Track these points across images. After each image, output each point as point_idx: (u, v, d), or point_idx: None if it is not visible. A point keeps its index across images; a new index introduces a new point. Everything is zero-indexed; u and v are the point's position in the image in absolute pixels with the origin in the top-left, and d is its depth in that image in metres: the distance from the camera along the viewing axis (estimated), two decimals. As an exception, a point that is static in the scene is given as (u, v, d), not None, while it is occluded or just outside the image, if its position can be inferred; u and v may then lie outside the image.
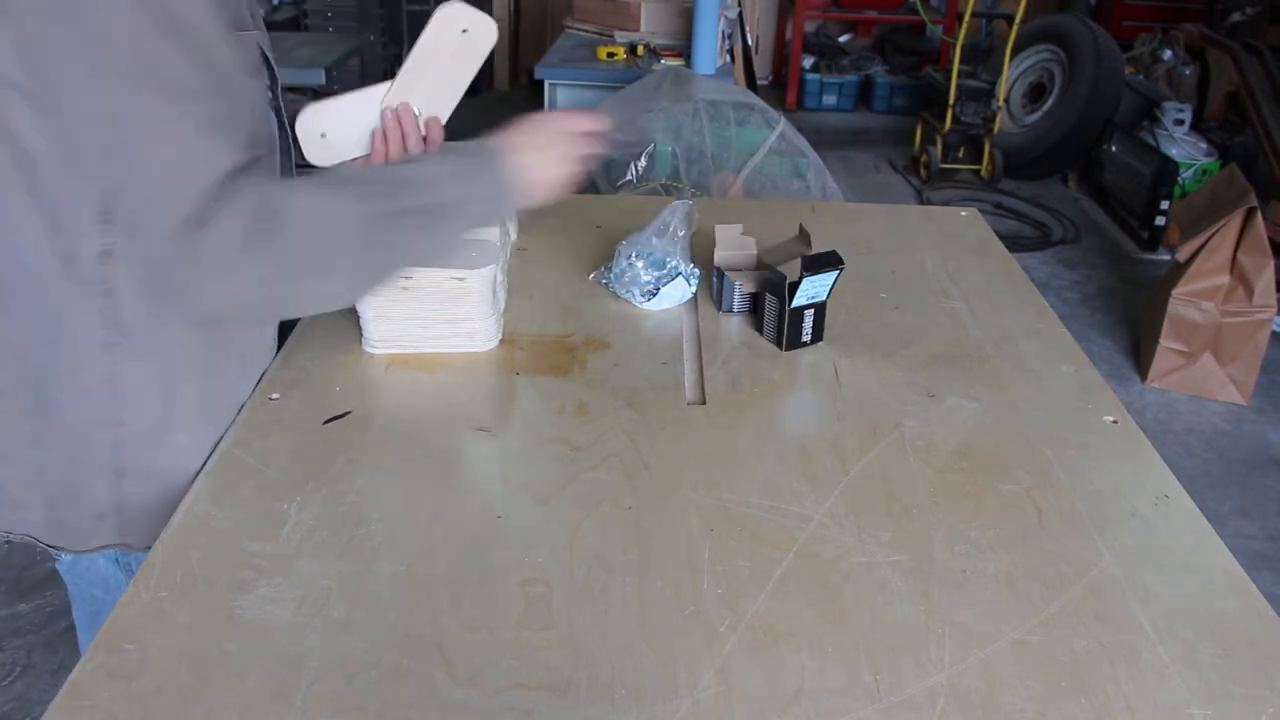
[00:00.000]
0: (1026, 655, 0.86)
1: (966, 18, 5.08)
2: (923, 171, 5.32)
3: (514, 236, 1.63)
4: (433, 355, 1.29)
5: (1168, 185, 4.29)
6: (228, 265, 0.88)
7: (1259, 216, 3.13)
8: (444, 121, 1.26)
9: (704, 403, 1.22)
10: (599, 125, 1.15)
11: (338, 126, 1.24)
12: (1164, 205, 4.32)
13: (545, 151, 1.10)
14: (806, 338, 1.35)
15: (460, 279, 1.25)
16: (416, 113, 1.24)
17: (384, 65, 6.43)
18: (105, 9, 0.85)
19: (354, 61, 5.47)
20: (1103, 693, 0.83)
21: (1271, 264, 3.15)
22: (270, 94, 1.09)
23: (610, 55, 3.67)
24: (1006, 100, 5.35)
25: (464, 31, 1.19)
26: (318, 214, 0.94)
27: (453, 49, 1.20)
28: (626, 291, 1.44)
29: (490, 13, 5.82)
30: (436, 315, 1.27)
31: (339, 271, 0.97)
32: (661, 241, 1.44)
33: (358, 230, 0.95)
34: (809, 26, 6.96)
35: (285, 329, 1.29)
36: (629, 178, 2.78)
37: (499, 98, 6.70)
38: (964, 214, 1.85)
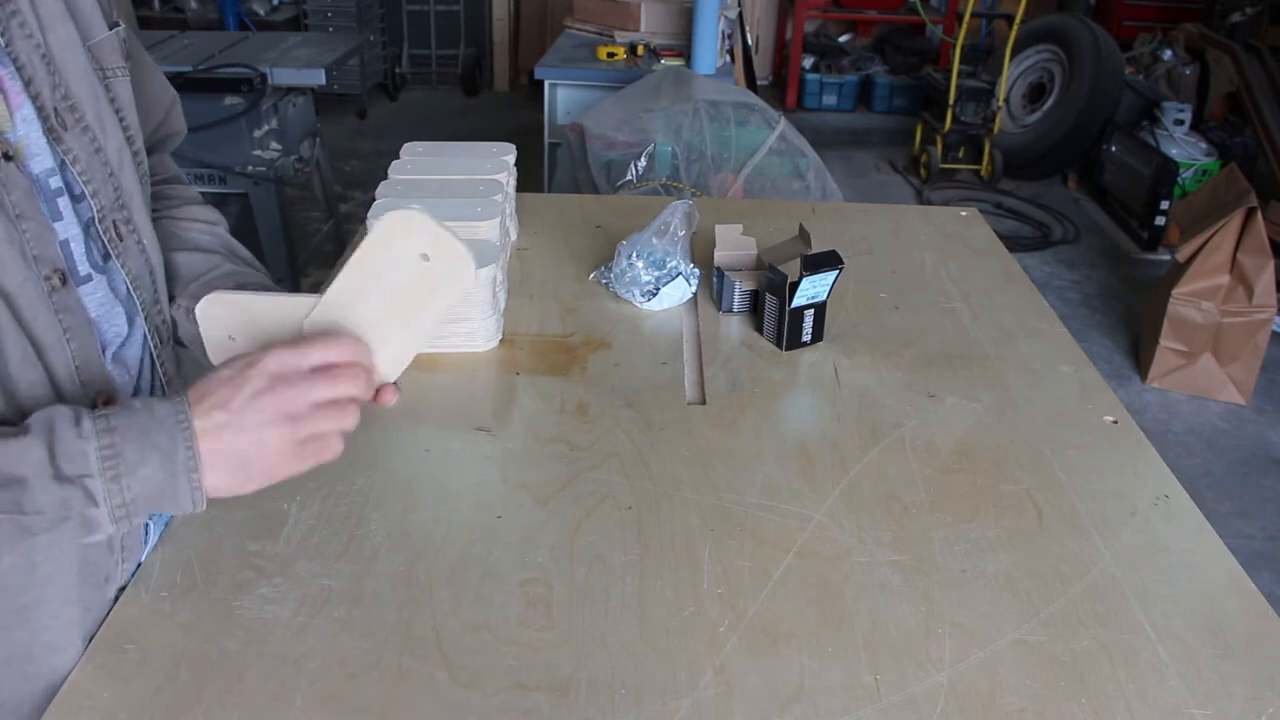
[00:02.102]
0: (1026, 655, 0.86)
1: (966, 18, 5.08)
2: (923, 171, 5.32)
3: (514, 236, 1.63)
4: (433, 355, 1.29)
5: (1168, 185, 4.29)
6: None
7: (1259, 216, 3.13)
8: (404, 367, 0.85)
9: (704, 403, 1.22)
10: (353, 359, 0.79)
11: (249, 331, 0.85)
12: (1164, 205, 4.32)
13: (254, 423, 0.74)
14: (806, 338, 1.35)
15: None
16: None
17: (383, 65, 6.44)
18: None
19: (354, 61, 5.48)
20: (1103, 693, 0.83)
21: (1271, 264, 3.15)
22: (53, 211, 0.78)
23: (610, 55, 3.67)
24: (1006, 100, 5.35)
25: (423, 257, 0.79)
26: None
27: (408, 275, 0.80)
28: (626, 291, 1.44)
29: (491, 14, 5.72)
30: (436, 315, 1.26)
31: None
32: (661, 241, 1.45)
33: None
34: (809, 26, 6.96)
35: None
36: (629, 178, 2.78)
37: (499, 98, 6.71)
38: (964, 214, 1.85)
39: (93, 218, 0.83)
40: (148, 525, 0.95)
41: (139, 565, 0.93)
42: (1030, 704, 0.81)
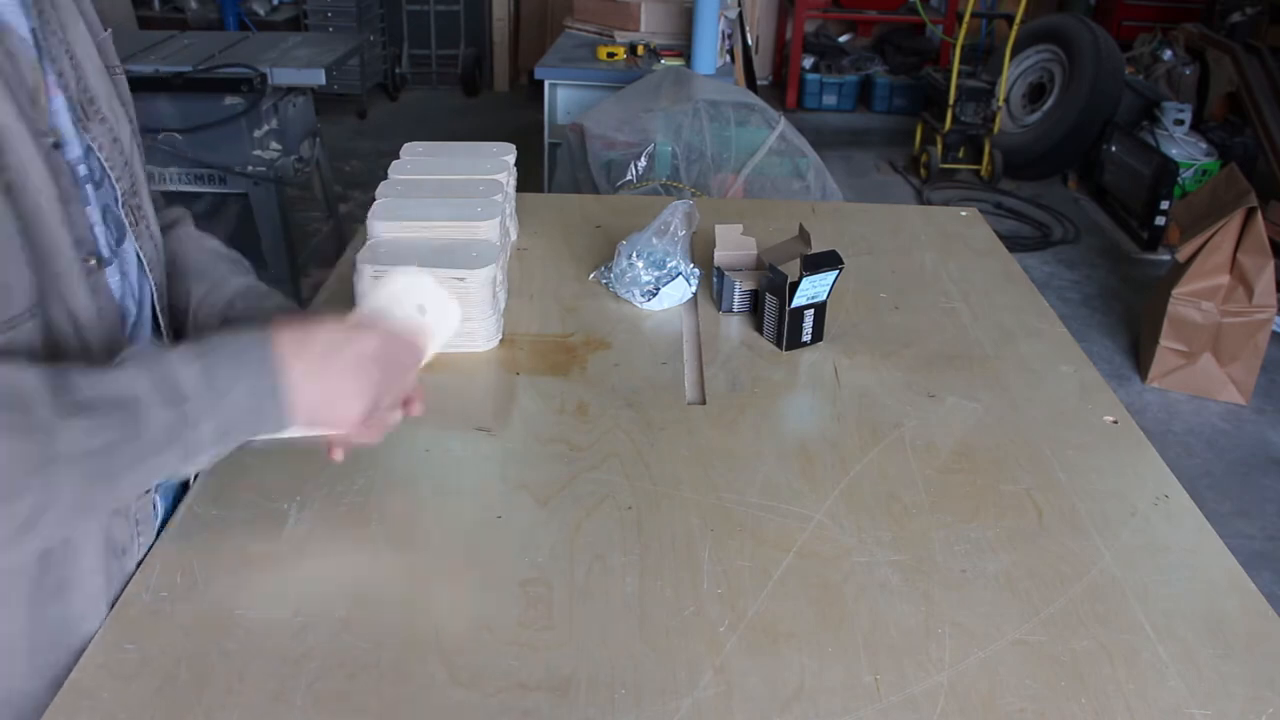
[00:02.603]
0: (1026, 655, 0.86)
1: (966, 18, 5.08)
2: (923, 171, 5.32)
3: (514, 236, 1.63)
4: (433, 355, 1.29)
5: (1168, 185, 4.29)
6: None
7: (1259, 216, 3.13)
8: None
9: (704, 403, 1.22)
10: (423, 353, 0.92)
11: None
12: (1164, 205, 4.32)
13: (345, 372, 0.83)
14: (806, 338, 1.35)
15: (460, 279, 1.25)
16: None
17: (383, 65, 6.44)
18: None
19: (354, 61, 5.48)
20: (1103, 693, 0.83)
21: (1271, 264, 3.15)
22: (83, 195, 0.83)
23: (610, 55, 3.67)
24: (1006, 100, 5.35)
25: (420, 309, 0.97)
26: None
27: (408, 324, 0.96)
28: (626, 291, 1.44)
29: (491, 14, 5.74)
30: (437, 315, 1.27)
31: None
32: (661, 241, 1.45)
33: (32, 473, 0.68)
34: (809, 26, 6.96)
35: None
36: (629, 178, 2.78)
37: (499, 98, 6.71)
38: (964, 214, 1.85)
39: (111, 202, 0.87)
40: (155, 503, 0.98)
41: (150, 547, 0.96)
42: (1030, 704, 0.81)
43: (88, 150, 0.85)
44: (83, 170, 0.84)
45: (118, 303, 0.87)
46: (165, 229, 1.05)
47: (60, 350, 0.79)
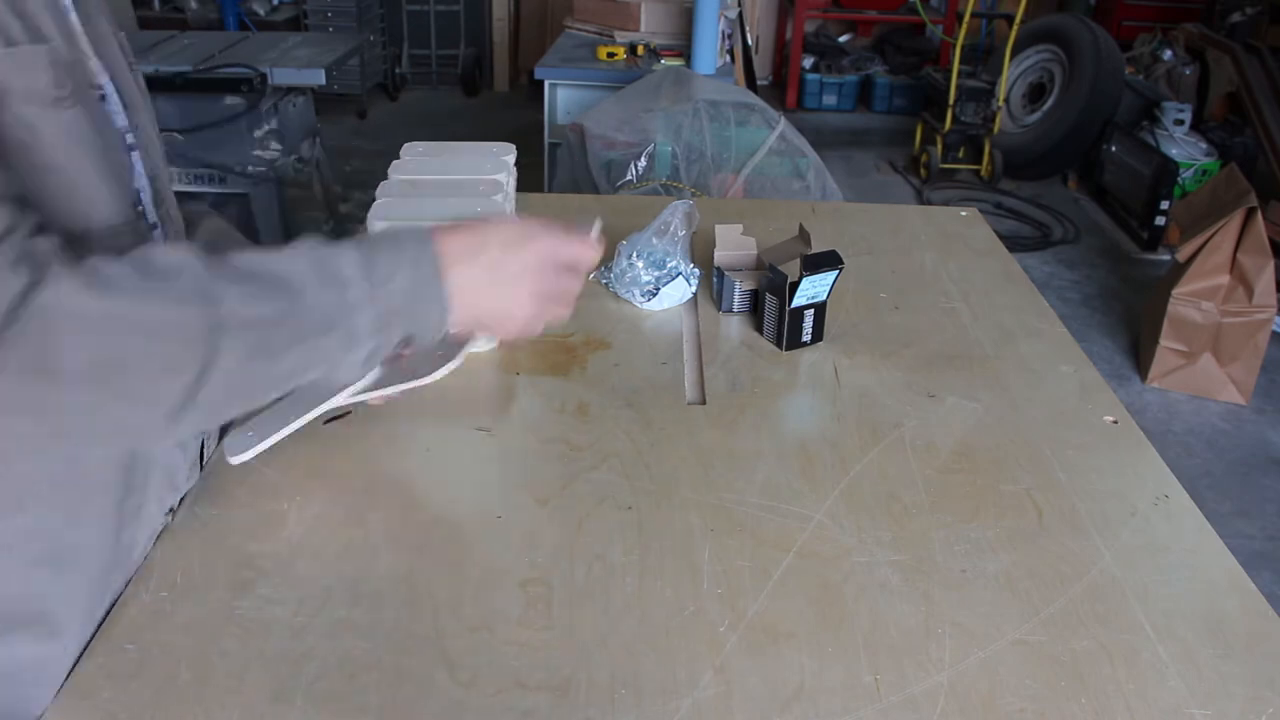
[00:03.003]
0: (1026, 655, 0.86)
1: (966, 18, 5.08)
2: (923, 171, 5.32)
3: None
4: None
5: (1168, 185, 4.29)
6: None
7: (1259, 216, 3.13)
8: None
9: (704, 403, 1.22)
10: (593, 259, 0.91)
11: None
12: (1164, 205, 4.31)
13: (509, 275, 0.83)
14: (806, 338, 1.35)
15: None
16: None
17: (383, 65, 6.44)
18: None
19: (354, 61, 5.48)
20: (1103, 693, 0.83)
21: (1271, 264, 3.15)
22: (129, 162, 0.85)
23: (610, 55, 3.67)
24: (1006, 100, 5.35)
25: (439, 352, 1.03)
26: (131, 322, 0.67)
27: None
28: (626, 291, 1.44)
29: (491, 14, 5.74)
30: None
31: (159, 394, 0.69)
32: (661, 241, 1.45)
33: (196, 342, 0.69)
34: (809, 26, 6.96)
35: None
36: (629, 178, 2.78)
37: (499, 98, 6.71)
38: (964, 214, 1.85)
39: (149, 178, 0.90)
40: (204, 442, 1.04)
41: (185, 495, 1.01)
42: (1030, 704, 0.81)
43: (134, 125, 0.86)
44: (130, 139, 0.85)
45: None
46: (194, 221, 1.07)
47: None
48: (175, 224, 0.95)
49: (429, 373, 1.01)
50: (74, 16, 0.81)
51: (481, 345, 1.31)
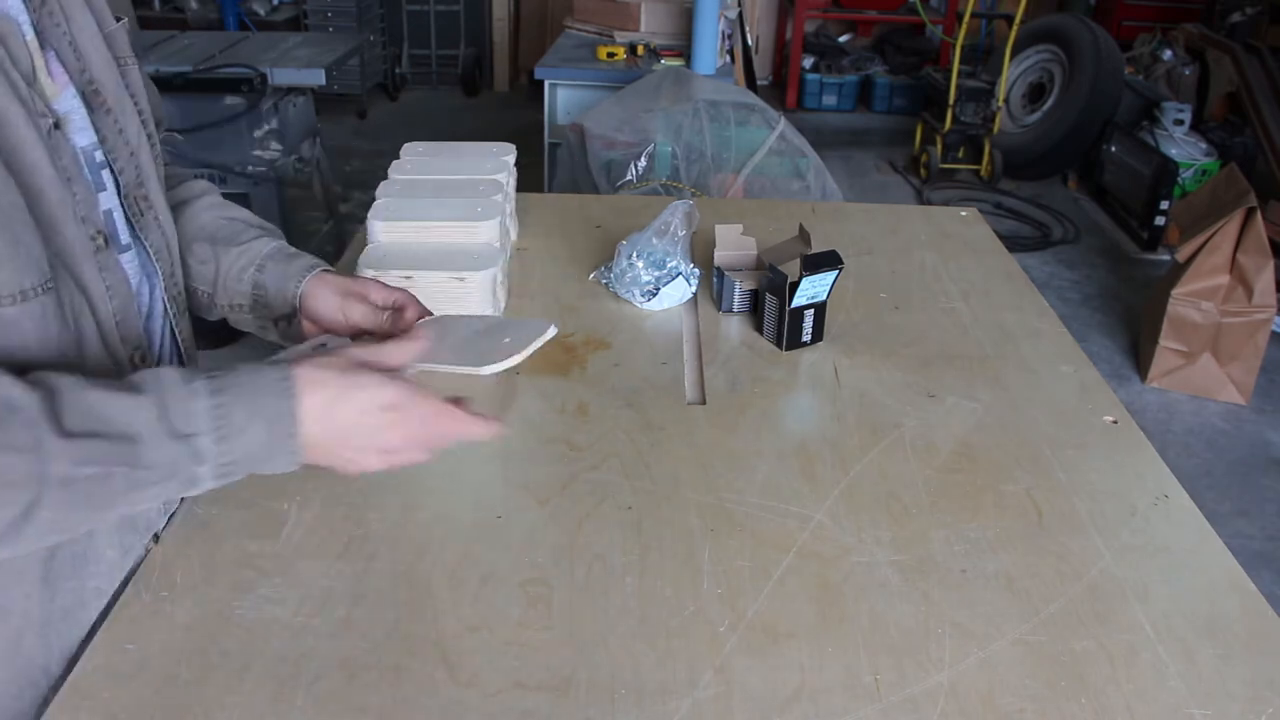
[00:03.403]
0: (1026, 655, 0.86)
1: (966, 18, 5.08)
2: (923, 171, 5.32)
3: (514, 236, 1.63)
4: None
5: (1167, 185, 4.29)
6: None
7: (1259, 216, 3.13)
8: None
9: (704, 403, 1.22)
10: (487, 432, 0.87)
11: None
12: (1164, 205, 4.32)
13: (361, 449, 0.80)
14: (806, 338, 1.35)
15: (461, 279, 1.25)
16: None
17: (383, 65, 6.44)
18: None
19: (354, 61, 5.48)
20: (1103, 693, 0.83)
21: (1271, 264, 3.15)
22: (98, 181, 0.84)
23: (610, 55, 3.67)
24: (1006, 100, 5.35)
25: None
26: None
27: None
28: (626, 292, 1.44)
29: (491, 14, 5.74)
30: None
31: None
32: (661, 242, 1.45)
33: (19, 486, 0.67)
34: (809, 26, 6.96)
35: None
36: (629, 178, 2.78)
37: (499, 98, 6.71)
38: (964, 214, 1.85)
39: (120, 193, 0.88)
40: None
41: (169, 517, 0.98)
42: (1030, 704, 0.81)
43: (102, 139, 0.86)
44: (99, 157, 0.85)
45: (132, 284, 0.88)
46: (191, 200, 1.07)
47: (75, 329, 0.81)
48: (162, 233, 0.94)
49: (493, 362, 0.92)
50: (26, 33, 0.78)
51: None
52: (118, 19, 0.93)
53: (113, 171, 0.87)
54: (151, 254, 0.93)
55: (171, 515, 0.99)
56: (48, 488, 0.68)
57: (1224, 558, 0.99)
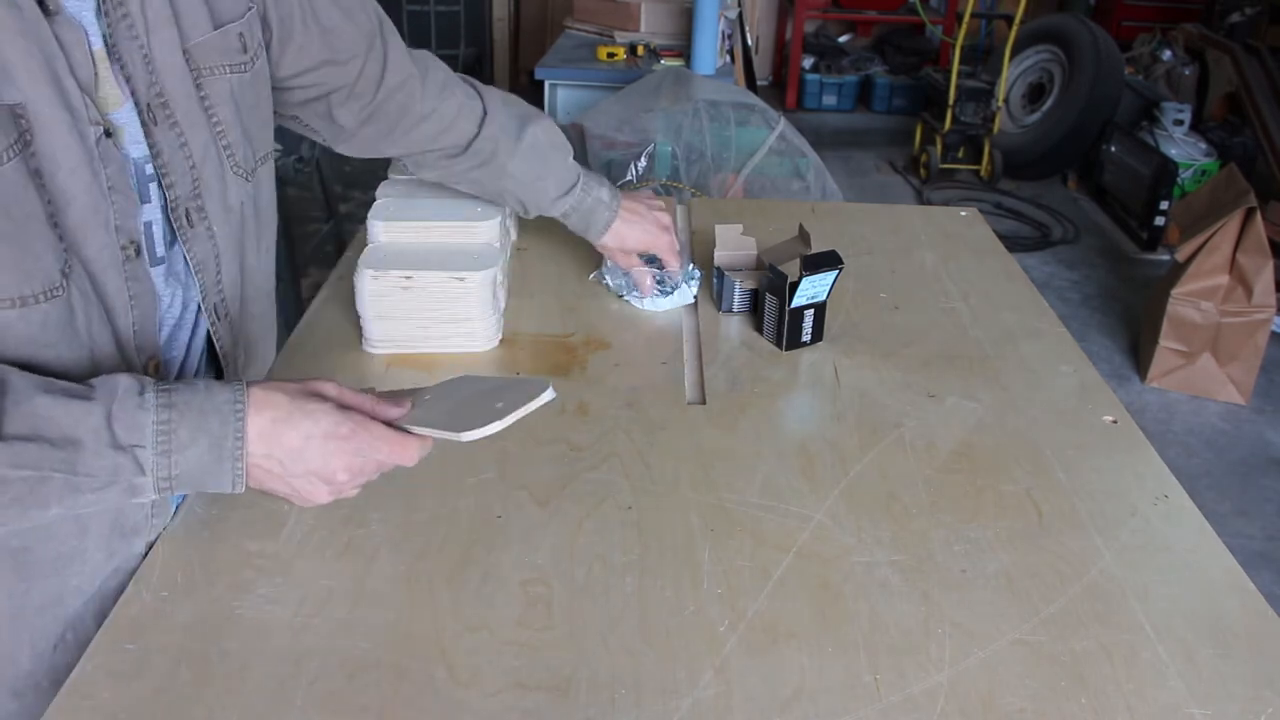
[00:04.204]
0: (1026, 655, 0.86)
1: (966, 18, 5.08)
2: (923, 171, 5.32)
3: (514, 236, 1.63)
4: (433, 355, 1.29)
5: (1167, 185, 4.30)
6: None
7: (1258, 216, 3.13)
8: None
9: (704, 403, 1.22)
10: (411, 461, 0.86)
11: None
12: (1163, 205, 4.32)
13: (306, 476, 0.81)
14: (806, 338, 1.35)
15: (460, 279, 1.25)
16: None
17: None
18: None
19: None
20: (1103, 693, 0.83)
21: (1271, 264, 3.15)
22: (144, 193, 0.87)
23: (610, 55, 3.67)
24: (1006, 100, 5.35)
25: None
26: None
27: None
28: (627, 292, 1.44)
29: (491, 14, 5.73)
30: (437, 315, 1.27)
31: None
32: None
33: None
34: (809, 27, 6.96)
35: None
36: (629, 178, 2.78)
37: (499, 98, 6.70)
38: (964, 214, 1.85)
39: (167, 204, 0.90)
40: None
41: (163, 529, 0.97)
42: (1030, 704, 0.81)
43: (157, 152, 0.87)
44: (149, 169, 0.87)
45: (155, 296, 0.90)
46: (500, 153, 1.25)
47: (87, 336, 0.82)
48: (213, 244, 0.95)
49: (478, 426, 0.87)
50: (94, 42, 0.80)
51: (481, 345, 1.31)
52: (224, 23, 0.92)
53: (160, 185, 0.88)
54: (193, 266, 0.94)
55: (176, 514, 0.99)
56: None
57: (1224, 558, 0.99)
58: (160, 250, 0.91)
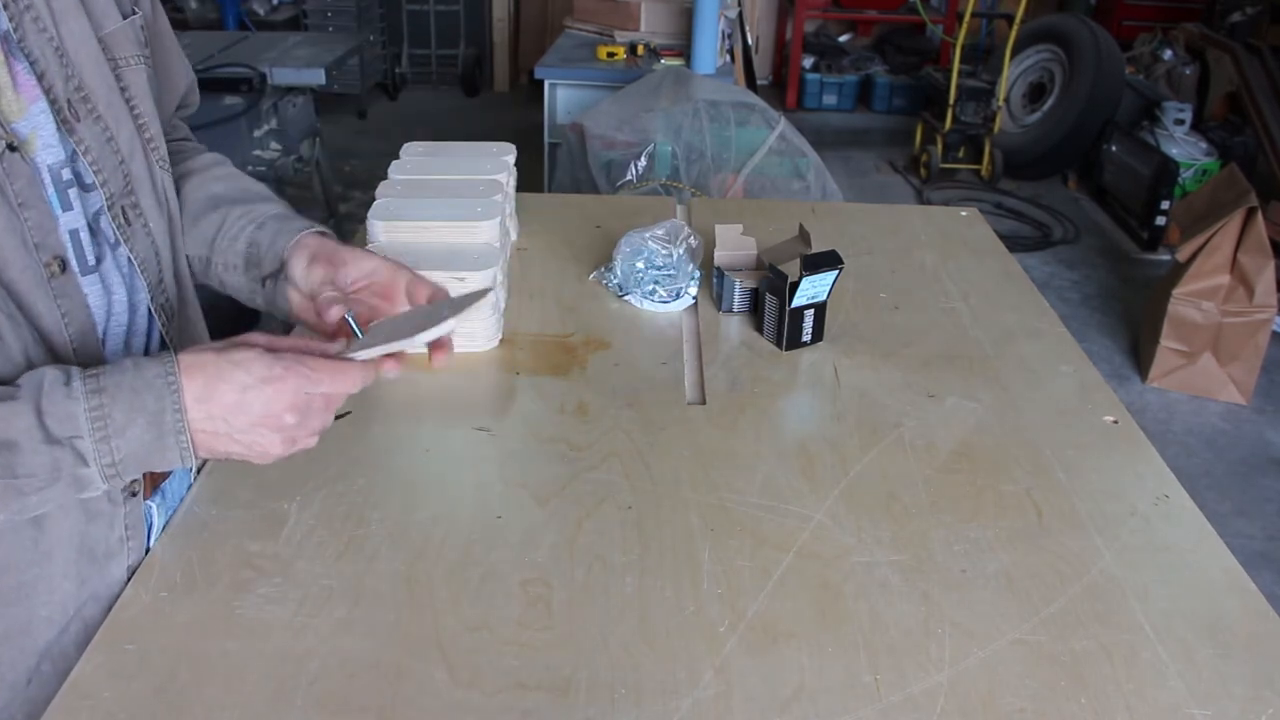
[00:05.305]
0: (1026, 655, 0.86)
1: (966, 18, 5.08)
2: (923, 171, 5.32)
3: (514, 236, 1.63)
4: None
5: (1168, 185, 4.29)
6: None
7: (1259, 216, 3.13)
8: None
9: (704, 403, 1.22)
10: (354, 387, 0.83)
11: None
12: (1164, 205, 4.32)
13: (252, 428, 0.79)
14: (806, 338, 1.35)
15: (461, 279, 1.25)
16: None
17: (383, 65, 6.45)
18: None
19: (354, 61, 5.48)
20: (1103, 693, 0.83)
21: (1271, 264, 3.15)
22: (63, 201, 0.82)
23: (610, 55, 3.67)
24: (1006, 100, 5.35)
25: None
26: None
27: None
28: (627, 292, 1.44)
29: (491, 14, 5.76)
30: (437, 315, 1.27)
31: None
32: (668, 260, 1.44)
33: None
34: (809, 26, 6.96)
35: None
36: (629, 178, 2.78)
37: (499, 98, 6.71)
38: (964, 214, 1.85)
39: (103, 206, 0.86)
40: (150, 509, 0.96)
41: (147, 550, 0.95)
42: (1030, 704, 0.81)
43: (73, 155, 0.83)
44: (66, 175, 0.82)
45: (90, 308, 0.85)
46: (202, 170, 1.06)
47: (24, 359, 0.78)
48: (152, 243, 0.91)
49: (427, 330, 0.89)
50: None
51: (481, 345, 1.31)
52: (131, 13, 0.89)
53: (82, 188, 0.84)
54: (139, 265, 0.90)
55: (176, 514, 0.99)
56: None
57: (1224, 558, 0.99)
58: (91, 258, 0.85)
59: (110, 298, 0.88)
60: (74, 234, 0.84)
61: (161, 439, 0.76)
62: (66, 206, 0.82)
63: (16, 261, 0.77)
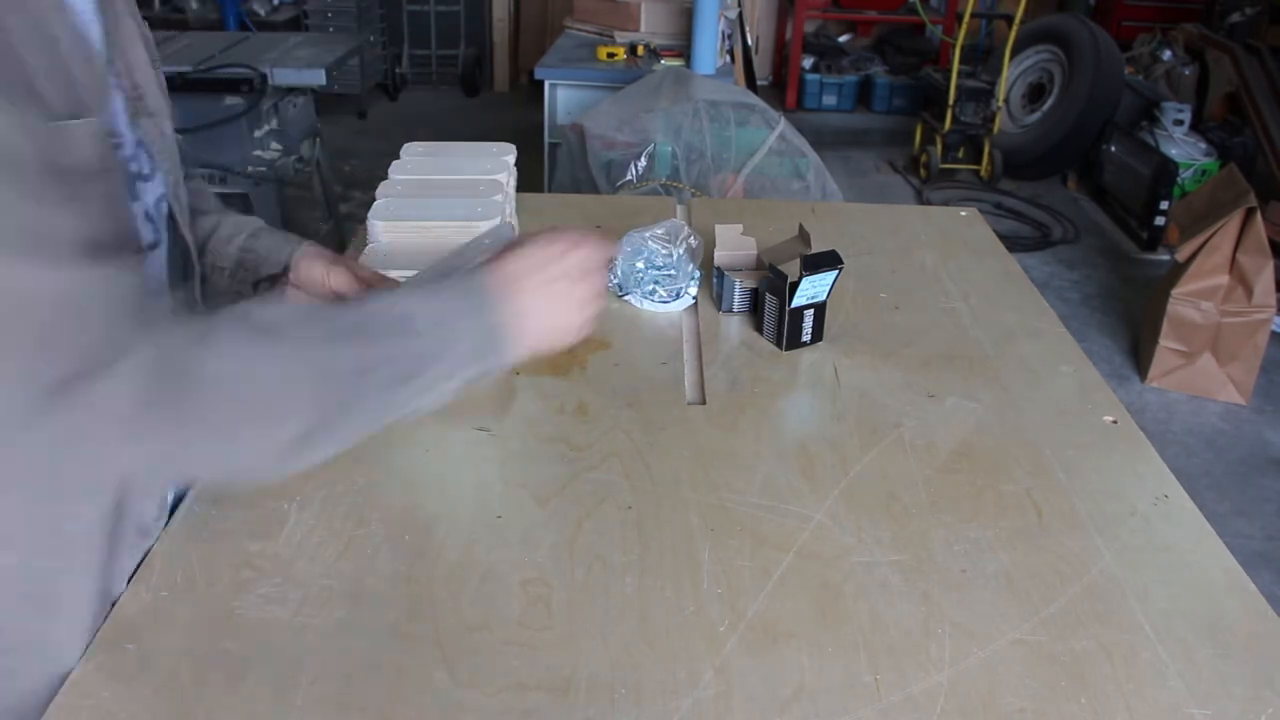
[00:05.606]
0: (1026, 655, 0.86)
1: (966, 18, 5.08)
2: (923, 171, 5.32)
3: (515, 236, 1.63)
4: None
5: (1167, 185, 4.29)
6: (112, 439, 0.66)
7: (1258, 216, 3.13)
8: None
9: (704, 403, 1.22)
10: (609, 252, 0.91)
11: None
12: (1163, 205, 4.31)
13: (551, 293, 0.83)
14: (806, 338, 1.35)
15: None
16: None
17: (383, 65, 6.45)
18: None
19: (354, 61, 5.48)
20: (1103, 693, 0.83)
21: (1271, 264, 3.15)
22: (132, 191, 0.86)
23: (610, 55, 3.67)
24: (1006, 100, 5.34)
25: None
26: (243, 374, 0.69)
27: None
28: (627, 292, 1.44)
29: (491, 14, 5.75)
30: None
31: (271, 441, 0.71)
32: (667, 261, 1.44)
33: (301, 393, 0.71)
34: (809, 27, 6.96)
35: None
36: (629, 178, 2.78)
37: (499, 98, 6.71)
38: (964, 214, 1.85)
39: (163, 194, 0.88)
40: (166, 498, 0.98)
41: (147, 551, 0.95)
42: (1030, 704, 0.81)
43: (139, 145, 0.85)
44: (134, 167, 0.85)
45: (165, 286, 0.89)
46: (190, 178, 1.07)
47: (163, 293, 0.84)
48: (185, 242, 0.94)
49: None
50: (98, 54, 0.76)
51: None
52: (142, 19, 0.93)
53: (145, 179, 0.86)
54: (195, 251, 0.95)
55: (175, 514, 0.99)
56: (320, 385, 0.72)
57: (1224, 558, 0.99)
58: (150, 237, 0.88)
59: (160, 286, 0.91)
60: (134, 221, 0.86)
61: (491, 336, 0.80)
62: (135, 197, 0.85)
63: (115, 247, 0.78)
